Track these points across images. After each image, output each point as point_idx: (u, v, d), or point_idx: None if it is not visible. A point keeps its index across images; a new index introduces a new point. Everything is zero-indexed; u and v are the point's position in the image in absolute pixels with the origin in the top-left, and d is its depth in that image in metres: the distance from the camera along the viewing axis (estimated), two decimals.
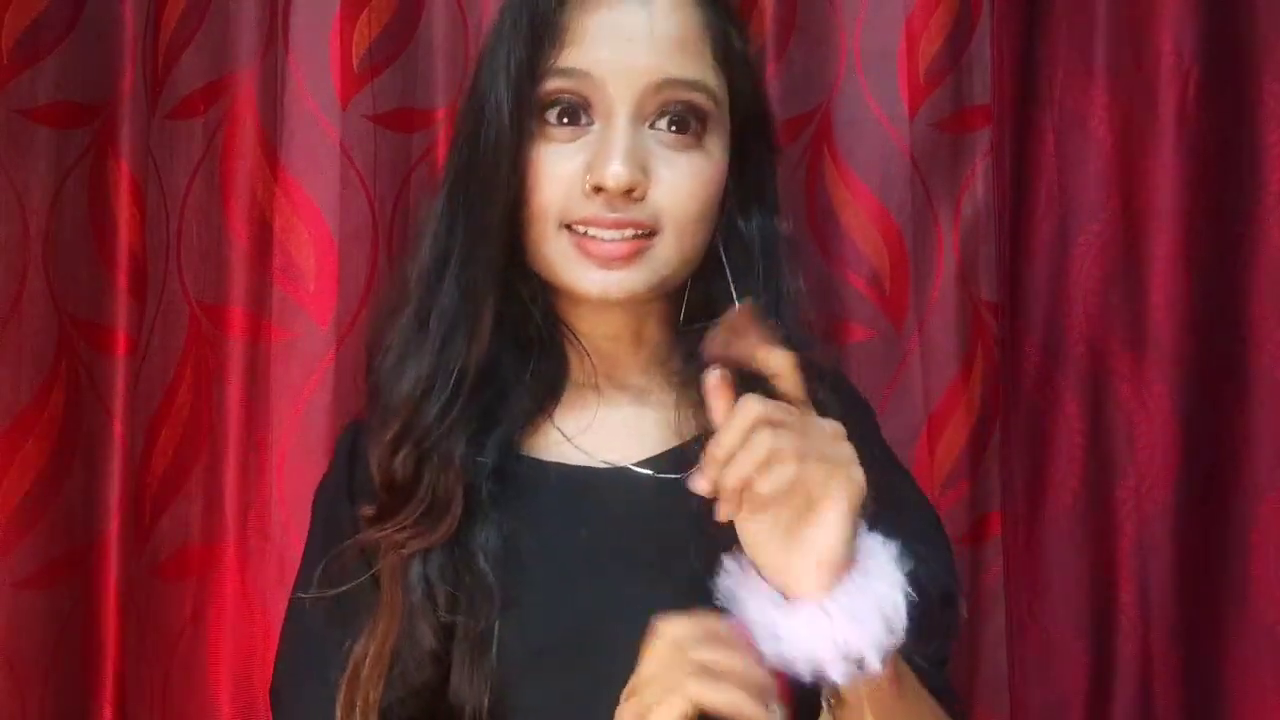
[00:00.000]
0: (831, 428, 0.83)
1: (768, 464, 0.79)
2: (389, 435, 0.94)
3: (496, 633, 0.90)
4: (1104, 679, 1.32)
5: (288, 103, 1.23)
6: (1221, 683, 1.31)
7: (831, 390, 0.98)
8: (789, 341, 0.90)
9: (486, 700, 0.89)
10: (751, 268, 0.99)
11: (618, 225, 0.91)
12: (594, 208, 0.91)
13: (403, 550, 0.92)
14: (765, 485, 0.79)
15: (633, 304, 0.96)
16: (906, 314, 1.31)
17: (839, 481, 0.81)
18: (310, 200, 1.22)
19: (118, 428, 1.20)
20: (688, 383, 0.99)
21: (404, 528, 0.92)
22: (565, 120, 0.92)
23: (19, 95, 1.16)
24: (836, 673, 0.80)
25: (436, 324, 0.95)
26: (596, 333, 0.99)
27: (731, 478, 0.80)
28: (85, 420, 1.20)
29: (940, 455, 1.32)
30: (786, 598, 0.82)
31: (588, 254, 0.92)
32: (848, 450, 0.82)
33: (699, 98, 0.93)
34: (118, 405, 1.20)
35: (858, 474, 0.82)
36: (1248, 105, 1.30)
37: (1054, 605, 1.33)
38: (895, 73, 1.31)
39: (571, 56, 0.91)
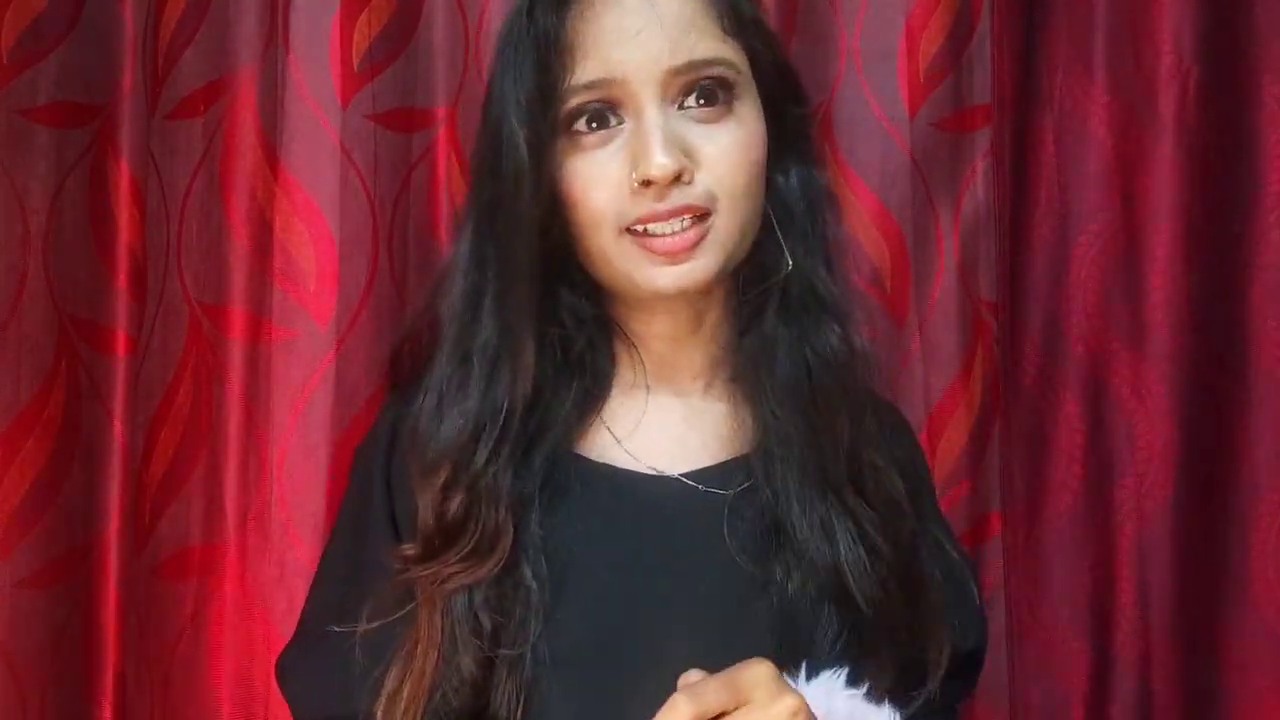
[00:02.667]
0: (763, 686, 0.83)
1: None
2: (440, 481, 0.92)
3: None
4: (1104, 679, 1.32)
5: (288, 103, 1.23)
6: (1221, 682, 1.31)
7: (891, 429, 1.01)
8: (836, 301, 0.96)
9: (519, 711, 0.89)
10: (796, 222, 0.98)
11: (674, 214, 0.90)
12: (647, 203, 0.90)
13: (445, 586, 0.90)
14: None
15: (701, 291, 0.94)
16: (907, 313, 1.31)
17: None
18: (310, 200, 1.22)
19: (118, 428, 1.20)
20: (742, 392, 0.98)
21: (450, 564, 0.91)
22: (595, 126, 0.92)
23: (19, 95, 1.16)
24: None
25: (479, 362, 0.94)
26: (651, 332, 0.99)
27: None
28: (85, 420, 1.20)
29: (940, 455, 1.32)
30: None
31: (655, 252, 0.91)
32: (789, 702, 0.83)
33: (718, 70, 0.92)
34: (118, 405, 1.20)
35: None
36: (1248, 105, 1.30)
37: (1054, 605, 1.33)
38: (895, 73, 1.31)
39: (589, 69, 0.91)
